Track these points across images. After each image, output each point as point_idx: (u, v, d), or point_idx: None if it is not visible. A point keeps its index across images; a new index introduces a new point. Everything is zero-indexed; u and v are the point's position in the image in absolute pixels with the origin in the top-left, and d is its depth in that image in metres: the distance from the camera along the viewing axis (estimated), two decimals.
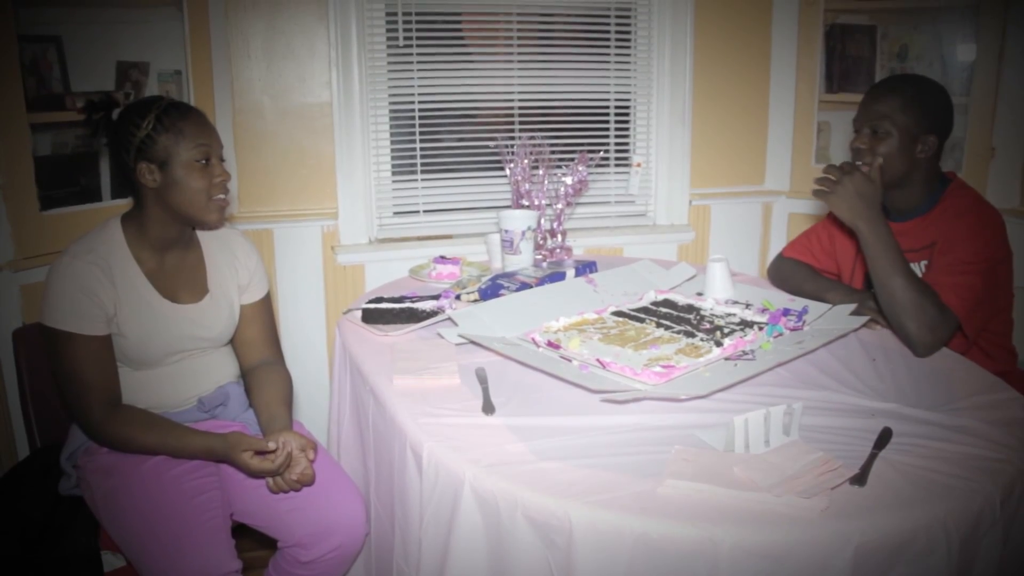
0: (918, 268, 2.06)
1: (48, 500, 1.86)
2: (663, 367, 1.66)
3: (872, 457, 1.34)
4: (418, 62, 3.02)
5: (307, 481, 1.74)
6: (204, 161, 1.78)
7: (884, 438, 1.41)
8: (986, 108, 2.90)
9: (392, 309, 2.08)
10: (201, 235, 1.94)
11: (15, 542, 1.75)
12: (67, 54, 2.68)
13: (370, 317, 2.07)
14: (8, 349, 2.13)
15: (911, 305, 1.84)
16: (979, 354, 1.98)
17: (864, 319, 1.98)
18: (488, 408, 1.57)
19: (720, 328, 1.93)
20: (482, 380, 1.70)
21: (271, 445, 1.69)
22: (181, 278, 1.88)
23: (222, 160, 1.83)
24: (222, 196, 1.82)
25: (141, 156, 1.75)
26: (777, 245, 3.30)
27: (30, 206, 2.38)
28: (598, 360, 1.71)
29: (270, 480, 1.73)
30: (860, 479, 1.28)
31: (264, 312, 2.02)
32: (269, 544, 1.89)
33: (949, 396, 1.63)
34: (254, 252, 2.01)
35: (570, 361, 1.76)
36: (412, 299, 2.15)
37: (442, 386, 1.69)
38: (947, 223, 2.00)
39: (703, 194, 3.33)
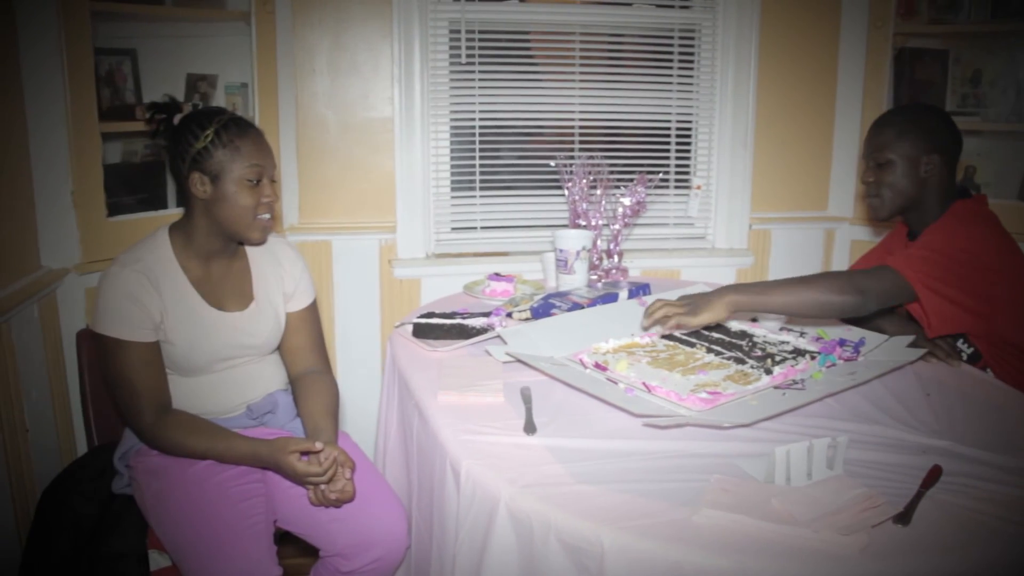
0: None
1: (102, 497, 1.90)
2: (709, 393, 1.64)
3: (918, 496, 1.30)
4: (480, 79, 3.04)
5: (347, 498, 1.75)
6: (255, 181, 1.82)
7: (933, 477, 1.37)
8: None
9: (443, 325, 2.10)
10: None
11: (69, 537, 1.80)
12: (141, 66, 2.77)
13: (420, 332, 2.09)
14: (72, 349, 2.20)
15: (819, 287, 1.85)
16: (1012, 371, 1.93)
17: (921, 352, 1.93)
18: (529, 428, 1.56)
19: (772, 356, 1.89)
20: (526, 399, 1.70)
21: (317, 445, 1.71)
22: (227, 286, 1.91)
23: (273, 181, 1.87)
24: (267, 216, 1.86)
25: (195, 166, 1.79)
26: None
27: (97, 212, 2.46)
28: (644, 384, 1.70)
29: (311, 493, 1.75)
30: (904, 518, 1.24)
31: (310, 320, 2.05)
32: (312, 553, 1.90)
33: (1006, 435, 1.57)
34: (299, 260, 2.04)
35: (616, 384, 1.75)
36: (463, 315, 2.16)
37: (486, 404, 1.69)
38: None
39: (764, 218, 3.28)
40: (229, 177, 1.79)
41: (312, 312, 2.06)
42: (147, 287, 1.77)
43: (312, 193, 2.94)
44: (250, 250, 1.98)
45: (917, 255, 1.93)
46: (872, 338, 2.02)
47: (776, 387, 1.74)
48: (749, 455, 1.46)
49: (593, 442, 1.52)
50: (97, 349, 1.79)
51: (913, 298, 1.91)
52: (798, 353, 1.92)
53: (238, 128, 1.81)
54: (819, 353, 1.91)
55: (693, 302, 1.87)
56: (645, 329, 1.95)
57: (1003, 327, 1.96)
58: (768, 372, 1.78)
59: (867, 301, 1.86)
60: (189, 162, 1.79)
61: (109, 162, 2.64)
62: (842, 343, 1.98)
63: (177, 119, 1.85)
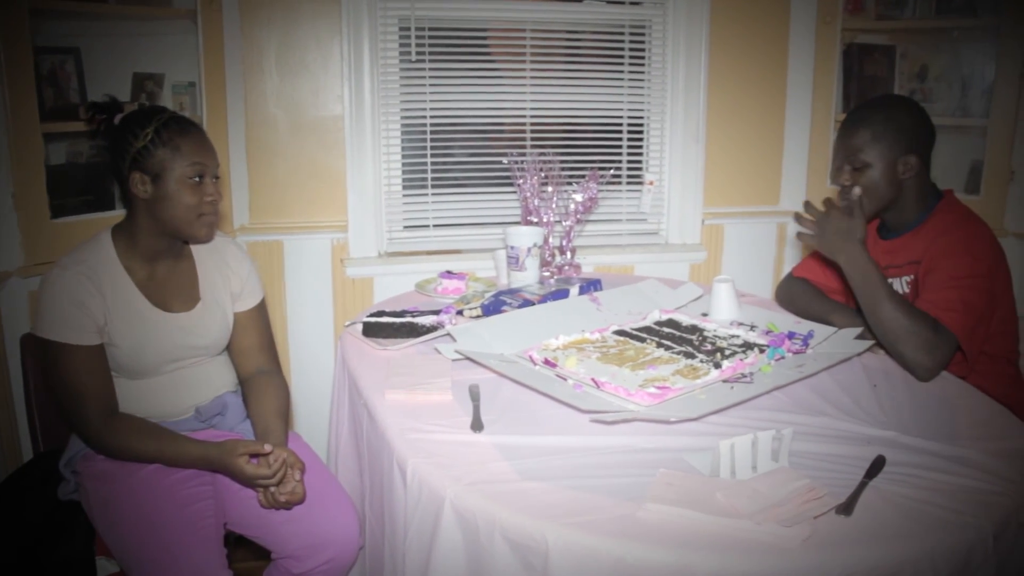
0: (900, 284, 2.07)
1: (47, 505, 1.86)
2: (658, 388, 1.65)
3: (861, 486, 1.32)
4: (430, 77, 3.03)
5: (297, 500, 1.73)
6: (197, 179, 1.80)
7: (876, 467, 1.38)
8: (1005, 130, 2.86)
9: (392, 323, 2.08)
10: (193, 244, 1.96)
11: (14, 545, 1.76)
12: (85, 65, 2.71)
13: (370, 331, 2.07)
14: (16, 354, 2.15)
15: (903, 331, 1.83)
16: (980, 379, 1.95)
17: (869, 343, 1.95)
18: (477, 425, 1.56)
19: (721, 350, 1.91)
20: (474, 397, 1.69)
21: (266, 447, 1.69)
22: (172, 287, 1.89)
23: (216, 179, 1.84)
24: (211, 215, 1.84)
25: (135, 166, 1.76)
26: (791, 266, 3.26)
27: (40, 214, 2.41)
28: (592, 379, 1.70)
29: (261, 495, 1.73)
30: (847, 508, 1.25)
31: (259, 320, 2.03)
32: (265, 555, 1.88)
33: (950, 425, 1.60)
34: (246, 259, 2.02)
35: (565, 380, 1.75)
36: (413, 313, 2.14)
37: (433, 402, 1.69)
38: (933, 239, 2.00)
39: (716, 213, 3.30)
40: (170, 176, 1.77)
41: (261, 312, 2.04)
42: (90, 289, 1.74)
43: (263, 193, 2.91)
44: (196, 250, 1.95)
45: (954, 298, 1.87)
46: (820, 331, 2.04)
47: (725, 381, 1.75)
48: (696, 449, 1.46)
49: (540, 439, 1.52)
50: (40, 354, 1.76)
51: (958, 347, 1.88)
52: (747, 347, 1.94)
53: (178, 126, 1.79)
54: (768, 346, 1.93)
55: (822, 230, 1.96)
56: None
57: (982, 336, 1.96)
58: (717, 366, 1.79)
59: (932, 373, 1.81)
60: (129, 162, 1.76)
61: (53, 163, 2.58)
62: (791, 336, 2.00)
63: (117, 119, 1.83)
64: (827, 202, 1.98)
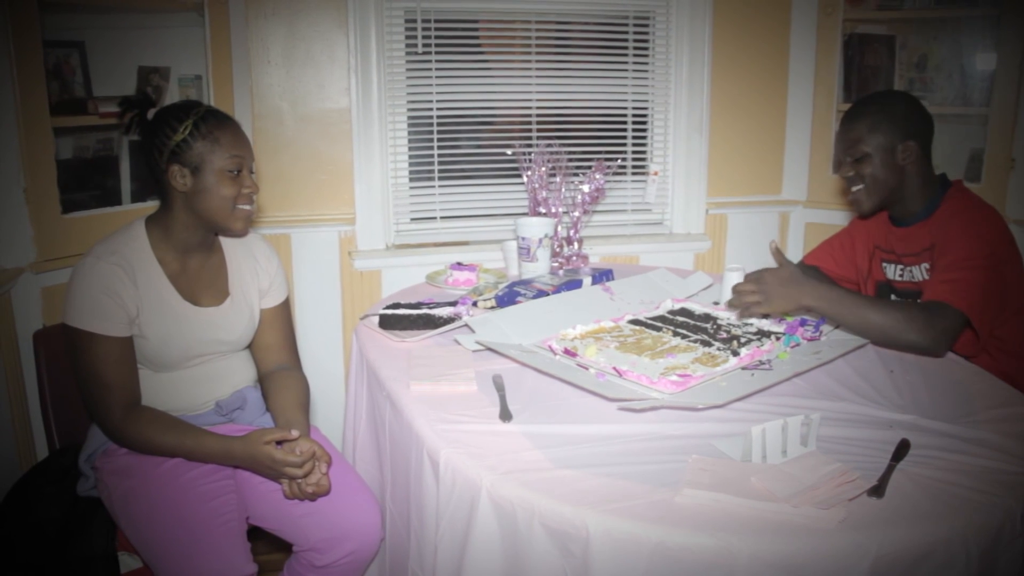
0: (919, 271, 2.10)
1: (66, 501, 1.86)
2: (680, 376, 1.66)
3: (890, 469, 1.34)
4: (436, 69, 3.02)
5: (322, 492, 1.74)
6: (236, 171, 1.80)
7: (902, 450, 1.41)
8: (1006, 119, 2.88)
9: (409, 315, 2.09)
10: (223, 239, 1.96)
11: (33, 542, 1.76)
12: (90, 59, 2.70)
13: (387, 323, 2.08)
14: (29, 351, 2.14)
15: (897, 323, 1.84)
16: (990, 361, 1.98)
17: None
18: (505, 415, 1.57)
19: (737, 338, 1.93)
20: (499, 387, 1.70)
21: (293, 433, 1.70)
22: (203, 281, 1.89)
23: (252, 172, 1.85)
24: (248, 207, 1.84)
25: (174, 159, 1.77)
26: (794, 255, 3.28)
27: (52, 209, 2.40)
28: (615, 368, 1.72)
29: (285, 486, 1.73)
30: (878, 491, 1.27)
31: (283, 317, 2.04)
32: (284, 547, 1.89)
33: (967, 408, 1.62)
34: (275, 257, 2.03)
35: (587, 369, 1.76)
36: (429, 305, 2.15)
37: (459, 393, 1.70)
38: (943, 225, 2.03)
39: (720, 203, 3.32)
40: (209, 168, 1.78)
41: (285, 309, 2.05)
42: (124, 280, 1.74)
43: (269, 186, 2.90)
44: (226, 245, 1.96)
45: (958, 278, 1.90)
46: None
47: (744, 368, 1.77)
48: (724, 435, 1.48)
49: (569, 427, 1.53)
50: (67, 342, 1.75)
51: (969, 325, 1.90)
52: (763, 334, 1.96)
53: (216, 119, 1.80)
54: (783, 334, 1.95)
55: (767, 291, 1.88)
56: (731, 305, 2.03)
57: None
58: (735, 354, 1.81)
59: (939, 344, 1.83)
60: (167, 155, 1.77)
61: (61, 158, 2.57)
62: (803, 323, 2.02)
63: (151, 114, 1.83)
64: (751, 274, 1.95)
